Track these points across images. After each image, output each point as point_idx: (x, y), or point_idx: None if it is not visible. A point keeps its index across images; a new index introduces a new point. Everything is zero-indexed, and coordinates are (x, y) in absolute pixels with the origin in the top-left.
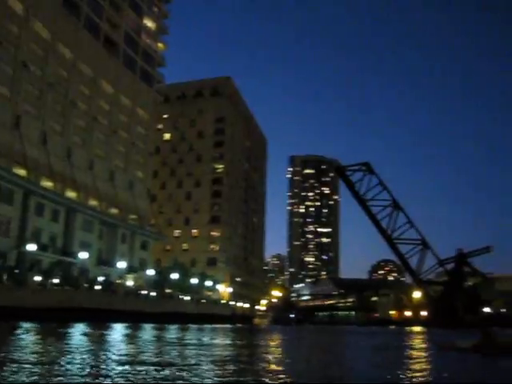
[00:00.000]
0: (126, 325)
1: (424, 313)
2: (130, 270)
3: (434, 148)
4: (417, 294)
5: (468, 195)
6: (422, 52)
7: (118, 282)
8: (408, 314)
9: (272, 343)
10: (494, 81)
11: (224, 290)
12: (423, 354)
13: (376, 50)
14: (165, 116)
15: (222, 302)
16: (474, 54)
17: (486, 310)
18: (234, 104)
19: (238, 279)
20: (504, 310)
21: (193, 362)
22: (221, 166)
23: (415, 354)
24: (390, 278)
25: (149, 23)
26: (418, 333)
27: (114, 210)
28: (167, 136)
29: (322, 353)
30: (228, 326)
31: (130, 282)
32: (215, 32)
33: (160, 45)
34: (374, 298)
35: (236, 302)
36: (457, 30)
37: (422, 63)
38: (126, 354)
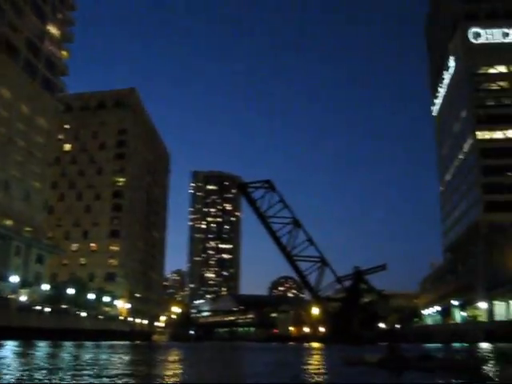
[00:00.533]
0: (18, 342)
1: (322, 329)
2: (24, 284)
3: (336, 168)
4: (315, 311)
5: (366, 215)
6: (330, 62)
7: (10, 296)
8: (307, 330)
9: (170, 359)
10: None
11: (122, 305)
12: (327, 368)
13: (281, 64)
14: (66, 126)
15: (120, 318)
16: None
17: (382, 325)
18: (137, 116)
19: (137, 295)
20: (398, 326)
21: (90, 381)
22: (122, 179)
23: (318, 368)
24: (290, 295)
25: (53, 30)
26: (317, 348)
27: (8, 222)
28: (68, 147)
29: (221, 369)
30: (126, 342)
31: (23, 297)
32: (121, 43)
33: (64, 53)
34: (274, 315)
35: (135, 318)
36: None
37: (330, 73)
38: (17, 376)
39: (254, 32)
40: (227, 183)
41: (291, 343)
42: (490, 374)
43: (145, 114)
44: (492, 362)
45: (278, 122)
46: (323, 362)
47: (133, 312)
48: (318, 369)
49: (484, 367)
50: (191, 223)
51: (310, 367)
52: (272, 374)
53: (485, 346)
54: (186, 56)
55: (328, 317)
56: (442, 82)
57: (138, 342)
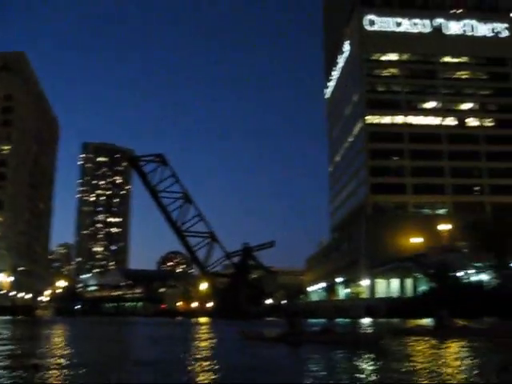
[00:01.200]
0: None
1: (210, 304)
2: None
3: (227, 145)
4: (203, 286)
5: (257, 193)
6: (222, 41)
7: None
8: (195, 305)
9: (54, 335)
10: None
11: (4, 279)
12: (224, 343)
13: (169, 36)
14: None
15: (2, 292)
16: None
17: (269, 301)
18: (25, 82)
19: (20, 268)
20: (284, 302)
21: None
22: (7, 147)
23: (215, 344)
24: (179, 270)
25: None
26: (205, 323)
27: None
28: None
29: (108, 344)
30: (7, 317)
31: None
32: (10, 5)
33: None
34: (162, 290)
35: (17, 292)
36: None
37: (220, 55)
38: None
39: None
40: (118, 156)
41: (179, 318)
42: (387, 348)
43: (34, 80)
44: (384, 335)
45: (170, 95)
46: (217, 337)
47: (16, 286)
48: (215, 344)
49: (381, 341)
50: (80, 195)
51: (204, 343)
52: (159, 348)
53: (366, 321)
54: (79, 23)
55: (216, 292)
56: (336, 66)
57: (20, 316)
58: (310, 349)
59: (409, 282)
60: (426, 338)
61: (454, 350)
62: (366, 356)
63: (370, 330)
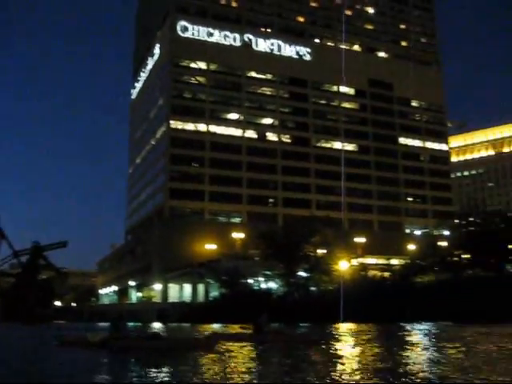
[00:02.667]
0: None
1: None
2: None
3: (21, 140)
4: None
5: (49, 190)
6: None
7: None
8: None
9: None
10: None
11: None
12: (37, 349)
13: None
14: None
15: None
16: None
17: (58, 303)
18: None
19: None
20: (74, 304)
21: None
22: None
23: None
24: None
25: None
26: None
27: None
28: None
29: None
30: None
31: None
32: None
33: None
34: None
35: None
36: None
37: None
38: None
39: None
40: None
41: None
42: (221, 351)
43: None
44: (218, 340)
45: None
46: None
47: None
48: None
49: (215, 345)
50: None
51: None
52: None
53: (158, 325)
54: None
55: (1, 292)
56: (145, 68)
57: None
58: (137, 355)
59: (201, 288)
60: (246, 343)
61: (269, 353)
62: (199, 360)
63: (200, 336)
